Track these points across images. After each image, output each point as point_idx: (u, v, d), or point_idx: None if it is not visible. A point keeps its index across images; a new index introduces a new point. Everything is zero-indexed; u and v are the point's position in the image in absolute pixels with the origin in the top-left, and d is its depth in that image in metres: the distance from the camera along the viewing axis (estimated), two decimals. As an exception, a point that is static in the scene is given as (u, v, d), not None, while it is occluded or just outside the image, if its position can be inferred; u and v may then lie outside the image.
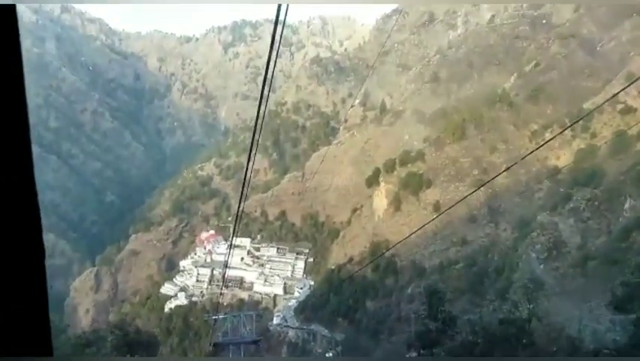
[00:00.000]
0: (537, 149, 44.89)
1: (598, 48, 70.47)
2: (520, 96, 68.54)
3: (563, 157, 58.03)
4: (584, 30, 74.60)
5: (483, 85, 76.59)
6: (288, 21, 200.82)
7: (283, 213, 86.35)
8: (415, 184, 61.41)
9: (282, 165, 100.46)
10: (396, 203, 62.62)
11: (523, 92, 68.89)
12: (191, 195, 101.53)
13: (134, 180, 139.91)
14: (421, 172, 62.23)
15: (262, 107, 5.43)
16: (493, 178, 44.36)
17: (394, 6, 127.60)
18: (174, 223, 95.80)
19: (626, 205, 35.57)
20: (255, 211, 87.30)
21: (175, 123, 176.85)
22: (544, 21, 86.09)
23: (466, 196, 35.78)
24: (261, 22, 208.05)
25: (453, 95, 78.98)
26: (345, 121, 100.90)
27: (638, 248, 29.76)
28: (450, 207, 31.92)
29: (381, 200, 66.34)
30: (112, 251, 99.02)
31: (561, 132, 51.53)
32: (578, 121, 53.50)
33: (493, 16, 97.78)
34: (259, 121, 5.57)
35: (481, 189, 57.48)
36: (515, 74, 74.38)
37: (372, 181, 69.99)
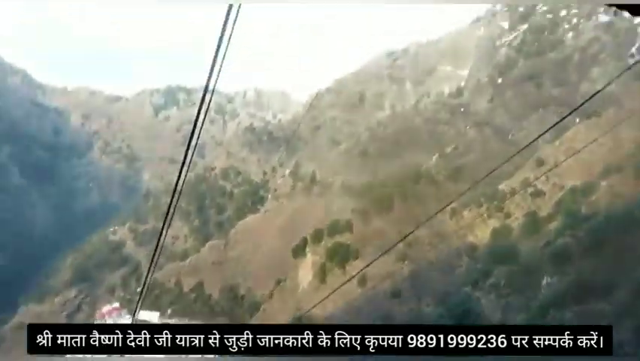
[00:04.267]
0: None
1: (510, 136, 76.77)
2: (441, 175, 71.74)
3: (480, 235, 59.99)
4: (497, 119, 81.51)
5: (408, 162, 79.61)
6: (224, 91, 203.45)
7: (200, 284, 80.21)
8: (342, 255, 59.94)
9: (204, 232, 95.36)
10: (321, 275, 60.33)
11: (443, 172, 72.31)
12: (97, 262, 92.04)
13: (34, 243, 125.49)
14: (348, 243, 61.19)
15: (184, 171, 5.38)
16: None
17: (329, 84, 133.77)
18: (73, 294, 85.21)
19: (544, 282, 36.09)
20: (169, 281, 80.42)
21: (91, 184, 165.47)
22: (462, 109, 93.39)
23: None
24: (196, 89, 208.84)
25: (380, 170, 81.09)
26: (275, 190, 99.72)
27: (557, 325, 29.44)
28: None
29: (306, 272, 63.79)
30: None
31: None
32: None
33: (417, 101, 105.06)
34: (179, 184, 5.55)
35: (405, 262, 57.41)
36: (437, 155, 78.32)
37: (299, 251, 67.73)
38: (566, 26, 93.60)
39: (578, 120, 63.57)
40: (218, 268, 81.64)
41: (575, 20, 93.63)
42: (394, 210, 65.15)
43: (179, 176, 5.43)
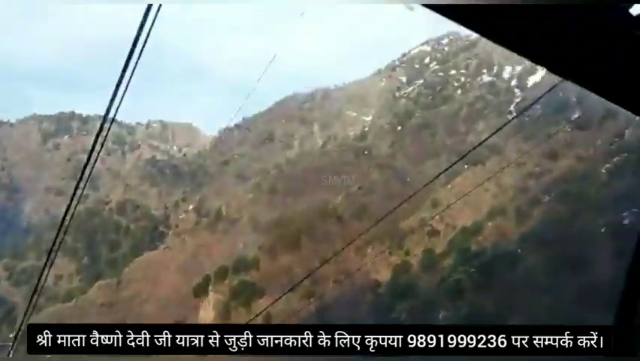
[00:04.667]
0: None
1: (408, 179, 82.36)
2: (346, 213, 74.21)
3: (382, 272, 62.52)
4: (397, 163, 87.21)
5: (315, 200, 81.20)
6: (125, 121, 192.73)
7: (87, 328, 72.17)
8: (247, 293, 58.29)
9: (93, 270, 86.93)
10: (224, 314, 57.83)
11: (348, 211, 74.95)
12: (-38, 305, 79.20)
13: None
14: (253, 281, 59.81)
15: (74, 204, 5.02)
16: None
17: (238, 120, 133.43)
18: None
19: (440, 316, 38.31)
20: (50, 325, 71.28)
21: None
22: (365, 152, 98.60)
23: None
24: (93, 117, 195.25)
25: (289, 207, 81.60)
26: (177, 226, 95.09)
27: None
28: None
29: (207, 312, 60.77)
30: None
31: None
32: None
33: (325, 142, 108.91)
34: (67, 218, 5.21)
35: (312, 300, 57.46)
36: (343, 194, 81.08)
37: (201, 290, 64.51)
38: (455, 84, 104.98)
39: (466, 167, 70.20)
40: (108, 310, 74.34)
41: (462, 79, 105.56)
42: (301, 247, 65.54)
43: (68, 208, 5.08)
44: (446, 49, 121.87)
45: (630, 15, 1.44)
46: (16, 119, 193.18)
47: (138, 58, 3.63)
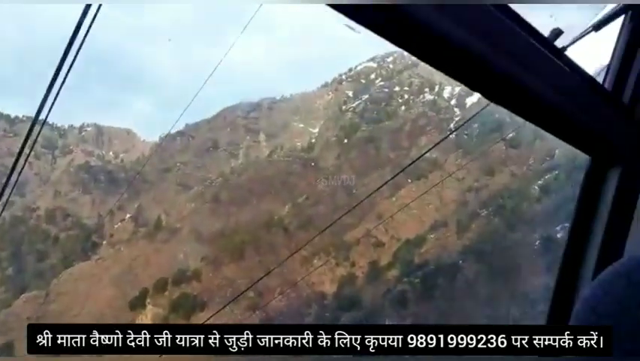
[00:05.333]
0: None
1: (354, 191, 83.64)
2: (293, 224, 73.94)
3: (327, 283, 62.74)
4: (343, 175, 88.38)
5: (261, 211, 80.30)
6: (57, 123, 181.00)
7: (10, 345, 66.33)
8: (187, 306, 56.20)
9: (18, 282, 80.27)
10: (163, 329, 55.31)
11: (295, 221, 74.75)
12: None
13: None
14: (195, 293, 57.80)
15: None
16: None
17: (180, 127, 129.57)
18: None
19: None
20: (-36, 343, 64.85)
21: None
22: (312, 163, 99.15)
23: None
24: (22, 119, 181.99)
25: (233, 217, 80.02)
26: (111, 236, 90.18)
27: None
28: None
29: (145, 326, 57.84)
30: None
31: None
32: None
33: (271, 152, 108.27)
34: None
35: (256, 313, 56.43)
36: (290, 204, 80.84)
37: (137, 304, 61.35)
38: (400, 100, 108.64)
39: (410, 180, 72.45)
40: (33, 326, 68.80)
41: (406, 96, 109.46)
42: (245, 258, 64.37)
43: None
44: (391, 66, 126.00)
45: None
46: None
47: (74, 59, 3.42)
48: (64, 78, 3.48)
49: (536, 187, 47.15)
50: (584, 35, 1.75)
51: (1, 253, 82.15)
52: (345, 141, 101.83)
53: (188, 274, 62.21)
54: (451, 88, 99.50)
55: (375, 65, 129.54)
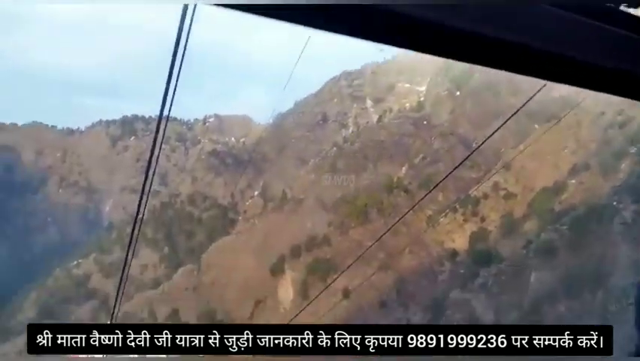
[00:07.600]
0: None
1: (474, 144, 79.45)
2: (413, 184, 72.99)
3: (458, 240, 61.13)
4: (460, 129, 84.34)
5: (379, 174, 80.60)
6: (183, 118, 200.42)
7: (176, 312, 76.90)
8: (322, 269, 59.29)
9: (174, 259, 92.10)
10: (303, 291, 59.26)
11: (415, 181, 73.65)
12: (63, 298, 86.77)
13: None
14: (327, 257, 60.69)
15: (145, 199, 5.29)
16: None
17: (290, 106, 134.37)
18: (39, 332, 79.45)
19: (532, 279, 36.95)
20: (142, 311, 76.66)
21: (49, 219, 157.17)
22: (425, 122, 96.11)
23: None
24: (154, 118, 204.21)
25: (352, 183, 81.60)
26: (245, 212, 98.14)
27: (550, 321, 30.18)
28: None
29: (286, 289, 62.56)
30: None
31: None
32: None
33: (380, 116, 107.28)
34: (140, 213, 5.57)
35: (388, 272, 57.45)
36: (406, 165, 79.83)
37: (277, 270, 66.44)
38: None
39: (537, 126, 66.61)
40: (192, 295, 78.74)
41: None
42: (371, 221, 65.48)
43: (139, 205, 5.38)
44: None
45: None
46: (84, 127, 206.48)
47: (182, 58, 3.66)
48: (177, 77, 3.82)
49: None
50: None
51: (157, 235, 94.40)
52: (457, 93, 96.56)
53: (319, 240, 65.32)
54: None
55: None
